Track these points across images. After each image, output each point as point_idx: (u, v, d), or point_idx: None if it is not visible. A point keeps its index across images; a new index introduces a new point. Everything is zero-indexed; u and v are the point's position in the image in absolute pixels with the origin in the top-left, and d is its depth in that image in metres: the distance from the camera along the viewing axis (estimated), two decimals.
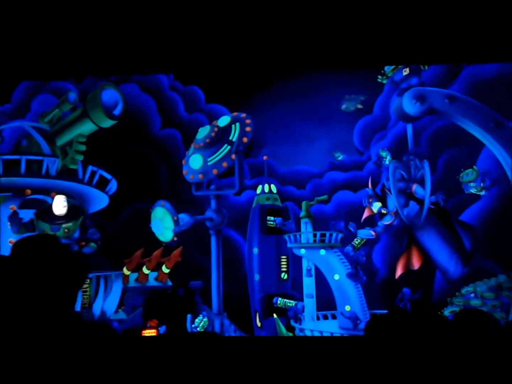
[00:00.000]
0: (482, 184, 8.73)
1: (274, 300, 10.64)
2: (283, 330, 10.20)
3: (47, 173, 10.68)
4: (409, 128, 9.44)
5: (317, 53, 9.35)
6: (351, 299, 9.44)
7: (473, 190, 8.86)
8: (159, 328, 3.88)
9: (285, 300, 10.57)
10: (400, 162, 9.43)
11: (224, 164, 10.32)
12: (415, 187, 9.11)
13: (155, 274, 11.26)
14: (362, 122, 11.66)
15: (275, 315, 10.42)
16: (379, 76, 9.50)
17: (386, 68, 9.39)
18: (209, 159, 10.39)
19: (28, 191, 10.72)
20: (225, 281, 10.62)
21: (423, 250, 9.27)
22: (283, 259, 10.88)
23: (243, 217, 11.19)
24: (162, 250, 10.82)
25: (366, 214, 9.74)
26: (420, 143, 11.31)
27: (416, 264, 9.19)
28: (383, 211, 9.53)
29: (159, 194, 10.90)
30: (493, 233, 9.39)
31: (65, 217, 10.33)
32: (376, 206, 9.56)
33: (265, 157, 11.30)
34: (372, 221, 9.87)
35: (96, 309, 10.20)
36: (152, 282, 11.21)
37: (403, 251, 9.41)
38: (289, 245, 10.25)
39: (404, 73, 9.15)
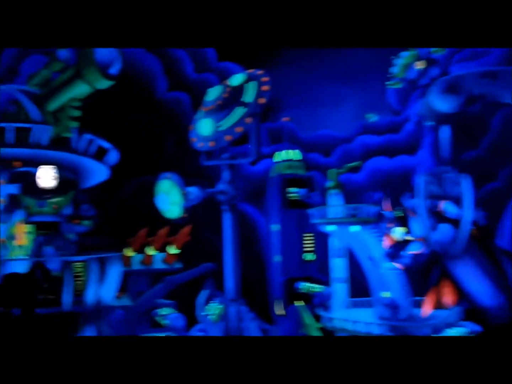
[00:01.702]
0: None
1: (297, 284, 9.61)
2: (308, 320, 8.96)
3: (37, 142, 9.47)
4: (445, 131, 7.57)
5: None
6: (390, 283, 8.00)
7: None
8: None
9: (310, 284, 9.42)
10: (432, 175, 7.57)
11: (238, 129, 8.68)
12: (444, 205, 7.30)
13: (162, 255, 10.18)
14: None
15: (298, 302, 9.27)
16: (390, 82, 7.82)
17: (392, 70, 7.71)
18: (220, 124, 8.81)
19: (18, 163, 9.55)
20: (241, 263, 9.24)
21: (457, 285, 7.63)
22: (308, 237, 9.79)
23: (261, 190, 9.98)
24: (168, 228, 9.62)
25: (386, 243, 8.06)
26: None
27: (448, 303, 7.64)
28: (407, 237, 7.84)
29: (164, 165, 9.52)
30: None
31: (54, 191, 9.09)
32: (398, 232, 7.88)
33: (285, 119, 9.96)
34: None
35: (90, 295, 9.02)
36: (158, 264, 10.13)
37: (433, 286, 7.80)
38: (314, 220, 8.86)
39: (417, 67, 7.48)
